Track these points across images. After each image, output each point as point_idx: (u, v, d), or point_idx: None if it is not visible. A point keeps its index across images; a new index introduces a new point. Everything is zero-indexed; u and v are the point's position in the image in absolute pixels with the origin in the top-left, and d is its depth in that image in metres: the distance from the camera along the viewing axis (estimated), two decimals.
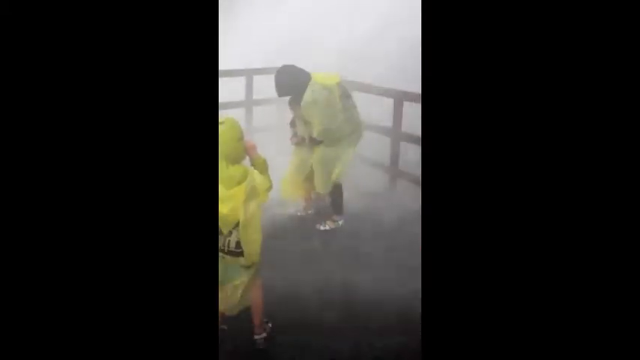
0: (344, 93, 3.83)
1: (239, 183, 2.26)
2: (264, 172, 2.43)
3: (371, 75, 4.72)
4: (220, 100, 4.66)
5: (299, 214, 4.31)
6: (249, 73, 5.30)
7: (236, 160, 2.33)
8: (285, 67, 3.82)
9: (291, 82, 3.75)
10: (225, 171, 2.26)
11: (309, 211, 4.32)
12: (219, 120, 2.22)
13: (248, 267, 2.40)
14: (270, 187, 2.44)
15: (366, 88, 4.64)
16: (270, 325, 2.73)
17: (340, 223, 4.09)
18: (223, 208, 2.21)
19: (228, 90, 5.20)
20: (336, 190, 4.04)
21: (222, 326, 2.56)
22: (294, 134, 4.08)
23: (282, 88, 3.80)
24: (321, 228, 4.05)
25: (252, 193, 2.29)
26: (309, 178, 4.06)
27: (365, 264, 3.45)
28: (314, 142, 3.88)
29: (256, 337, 2.63)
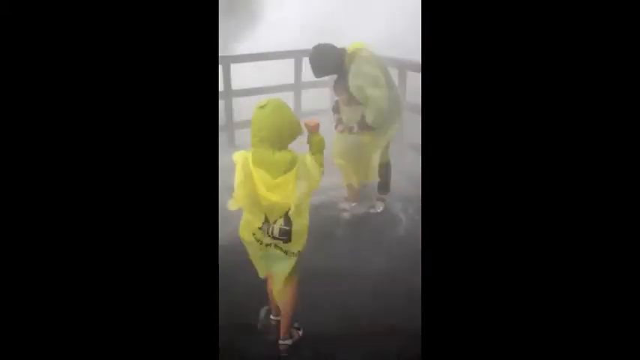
0: (382, 65, 3.57)
1: (287, 170, 2.12)
2: (318, 153, 2.27)
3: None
4: (268, 83, 5.09)
5: (341, 206, 4.03)
6: (297, 55, 5.29)
7: (283, 145, 2.16)
8: (318, 46, 3.56)
9: (328, 62, 3.49)
10: (271, 157, 2.12)
11: (353, 204, 4.04)
12: (261, 103, 2.13)
13: (292, 255, 2.27)
14: (321, 172, 2.26)
15: None
16: (300, 332, 2.57)
17: (387, 199, 3.98)
18: (271, 197, 2.12)
19: (276, 72, 5.40)
20: (386, 169, 3.86)
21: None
22: (339, 121, 3.75)
23: (319, 70, 3.54)
24: (377, 210, 3.93)
25: (305, 181, 2.16)
26: (355, 165, 3.80)
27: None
28: (365, 129, 3.53)
29: (281, 342, 2.47)
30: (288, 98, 4.84)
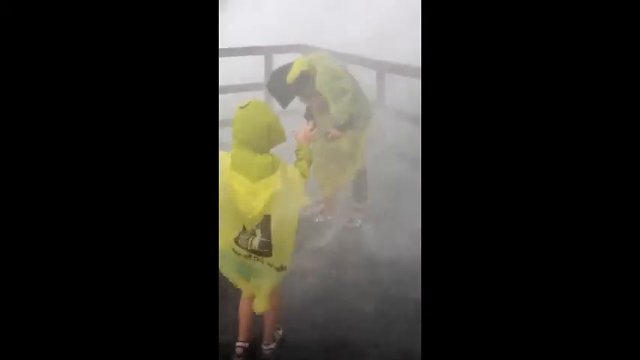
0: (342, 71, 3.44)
1: (267, 175, 2.00)
2: (302, 162, 2.18)
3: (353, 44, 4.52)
4: (238, 81, 4.80)
5: (317, 220, 3.75)
6: (268, 52, 5.01)
7: (264, 149, 2.03)
8: (273, 73, 3.39)
9: (287, 83, 3.23)
10: (251, 160, 2.01)
11: (328, 217, 3.75)
12: (241, 104, 2.03)
13: (279, 269, 2.14)
14: (305, 182, 2.14)
15: (344, 58, 4.18)
16: (280, 332, 2.51)
17: (369, 210, 3.72)
18: (246, 202, 1.98)
19: (246, 70, 5.10)
20: (360, 175, 3.64)
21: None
22: (314, 127, 3.40)
23: (284, 95, 3.29)
24: (356, 225, 3.66)
25: (286, 188, 2.02)
26: (330, 174, 3.58)
27: None
28: (343, 129, 3.34)
29: (264, 347, 2.40)
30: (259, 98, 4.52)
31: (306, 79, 3.25)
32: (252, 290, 2.23)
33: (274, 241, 2.07)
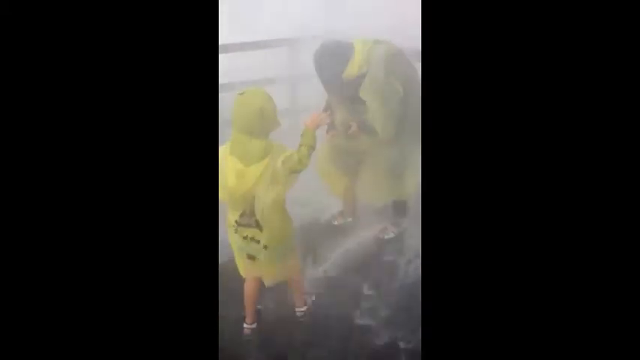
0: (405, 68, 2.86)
1: (260, 159, 2.08)
2: (304, 147, 2.14)
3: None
4: (259, 76, 4.46)
5: (335, 222, 3.37)
6: (291, 44, 4.67)
7: (259, 134, 2.08)
8: (325, 44, 2.81)
9: (338, 62, 2.74)
10: (247, 145, 2.08)
11: (349, 219, 3.37)
12: (240, 91, 2.10)
13: (271, 248, 2.22)
14: (301, 168, 2.13)
15: None
16: (313, 298, 2.65)
17: (405, 225, 3.24)
18: (235, 184, 2.09)
19: (268, 64, 4.81)
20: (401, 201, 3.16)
21: (258, 306, 2.54)
22: (331, 125, 2.96)
23: (327, 70, 2.78)
24: (386, 237, 3.21)
25: (275, 174, 2.10)
26: (352, 177, 3.16)
27: None
28: (367, 132, 2.86)
29: (297, 310, 2.56)
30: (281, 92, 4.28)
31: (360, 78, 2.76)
32: (255, 271, 2.34)
33: (263, 221, 2.16)
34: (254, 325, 2.48)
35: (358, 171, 3.12)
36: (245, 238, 2.23)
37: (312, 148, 2.17)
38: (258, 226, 2.18)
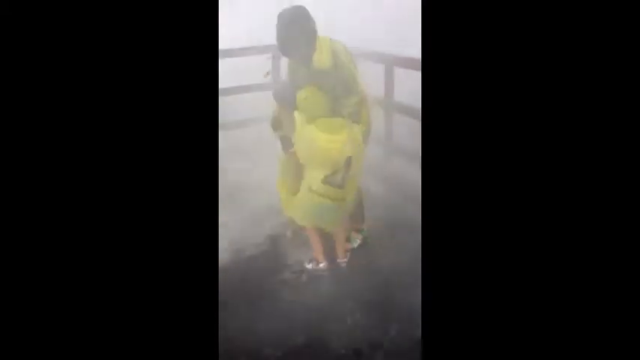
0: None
1: (340, 130, 2.57)
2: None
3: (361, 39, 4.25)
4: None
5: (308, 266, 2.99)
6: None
7: (331, 115, 2.60)
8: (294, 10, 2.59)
9: (298, 37, 2.54)
10: (327, 123, 2.58)
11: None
12: (302, 94, 2.59)
13: (341, 202, 2.66)
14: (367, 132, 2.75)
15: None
16: (357, 241, 3.09)
17: (365, 231, 3.14)
18: (331, 148, 2.54)
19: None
20: (357, 195, 2.93)
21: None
22: (286, 140, 2.78)
23: (287, 43, 2.58)
24: (353, 245, 3.07)
25: (358, 142, 2.64)
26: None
27: None
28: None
29: (340, 262, 2.96)
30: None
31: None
32: (321, 224, 2.79)
33: (350, 177, 2.63)
34: (326, 263, 2.93)
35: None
36: (323, 195, 2.62)
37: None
38: (342, 184, 2.60)
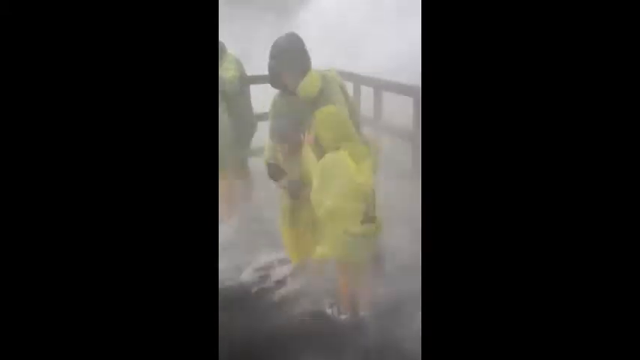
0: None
1: (365, 158, 2.31)
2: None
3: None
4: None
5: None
6: None
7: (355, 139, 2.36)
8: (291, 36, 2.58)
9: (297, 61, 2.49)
10: (354, 149, 2.30)
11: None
12: (328, 110, 2.29)
13: (371, 238, 2.39)
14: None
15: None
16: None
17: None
18: (364, 180, 2.26)
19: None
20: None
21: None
22: (295, 185, 2.57)
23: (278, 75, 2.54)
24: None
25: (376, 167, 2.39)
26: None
27: None
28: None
29: (343, 315, 2.59)
30: None
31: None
32: (349, 259, 2.44)
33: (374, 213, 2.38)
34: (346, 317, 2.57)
35: None
36: (364, 235, 2.34)
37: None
38: (375, 219, 2.37)
